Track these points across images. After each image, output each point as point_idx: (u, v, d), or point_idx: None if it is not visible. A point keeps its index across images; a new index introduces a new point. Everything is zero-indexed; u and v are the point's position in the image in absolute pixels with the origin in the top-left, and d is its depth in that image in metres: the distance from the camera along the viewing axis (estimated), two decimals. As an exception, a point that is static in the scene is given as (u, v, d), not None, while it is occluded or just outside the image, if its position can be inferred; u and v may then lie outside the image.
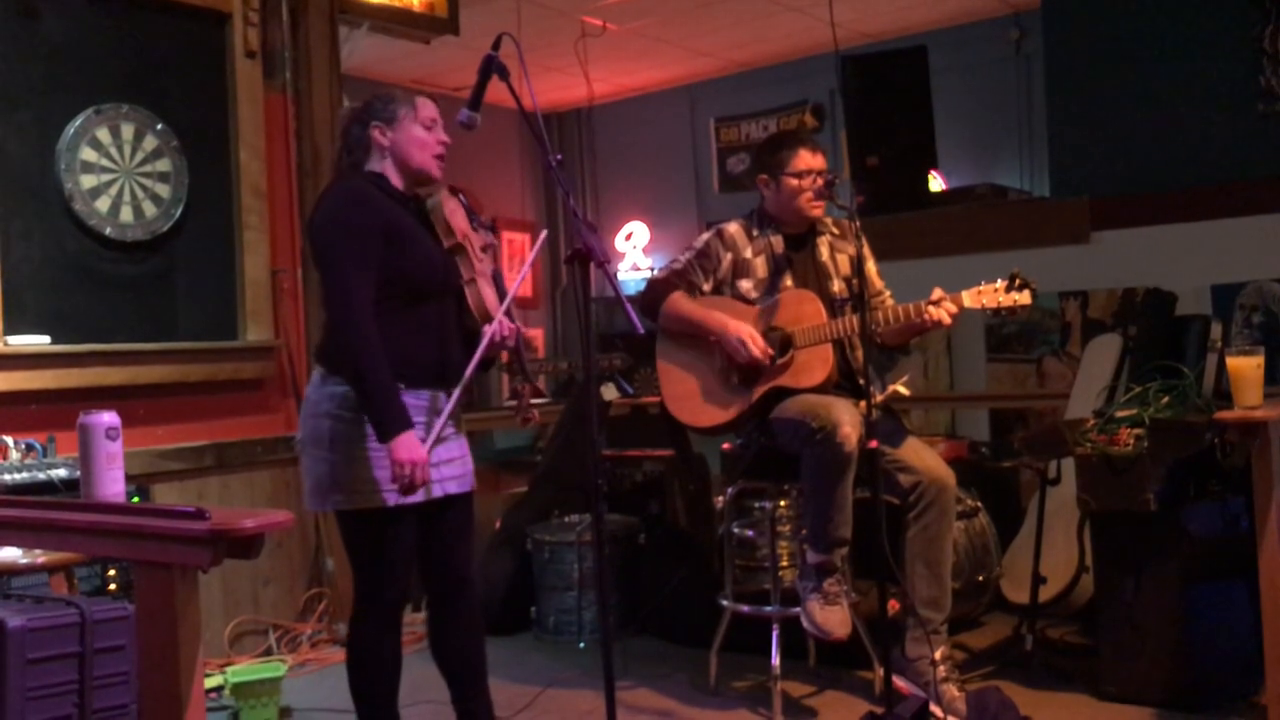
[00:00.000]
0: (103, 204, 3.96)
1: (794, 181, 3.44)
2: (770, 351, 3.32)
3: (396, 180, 2.79)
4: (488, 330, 2.73)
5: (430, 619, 2.89)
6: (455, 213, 2.79)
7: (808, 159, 3.44)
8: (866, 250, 3.44)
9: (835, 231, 3.58)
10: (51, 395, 3.76)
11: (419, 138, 2.75)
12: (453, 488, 2.77)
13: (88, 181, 3.92)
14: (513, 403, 2.91)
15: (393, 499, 2.63)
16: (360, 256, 2.64)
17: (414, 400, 2.68)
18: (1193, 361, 3.67)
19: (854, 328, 3.26)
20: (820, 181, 3.41)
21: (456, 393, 2.73)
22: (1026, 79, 6.55)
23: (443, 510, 2.80)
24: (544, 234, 3.22)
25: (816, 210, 3.46)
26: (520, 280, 2.83)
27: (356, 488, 2.64)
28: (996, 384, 5.13)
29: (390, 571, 2.72)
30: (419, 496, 2.66)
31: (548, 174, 8.39)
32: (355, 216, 2.68)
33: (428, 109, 2.79)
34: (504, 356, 2.91)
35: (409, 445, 2.57)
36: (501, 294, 2.79)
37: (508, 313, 2.77)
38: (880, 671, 3.27)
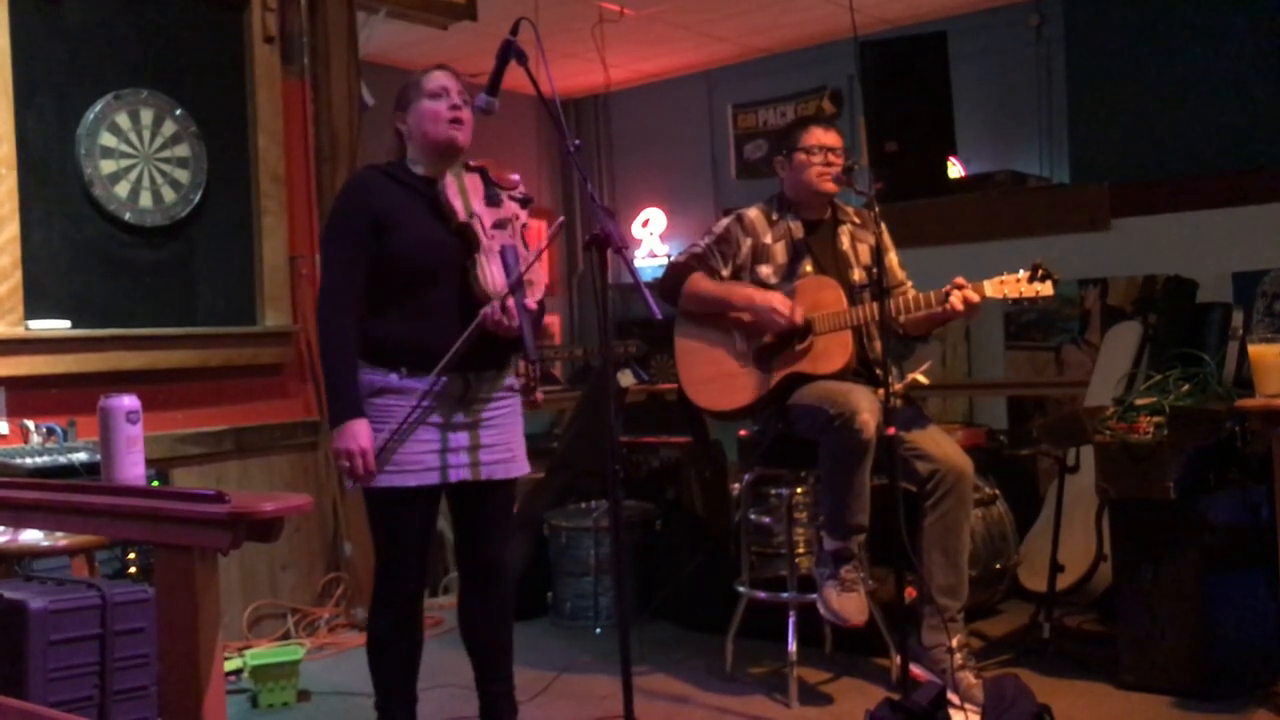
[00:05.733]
0: (122, 189, 3.98)
1: (803, 156, 3.44)
2: (801, 309, 3.31)
3: (422, 163, 2.78)
4: (484, 312, 2.66)
5: (460, 602, 2.91)
6: (465, 191, 2.75)
7: (818, 135, 3.46)
8: (887, 240, 3.44)
9: (856, 221, 3.57)
10: (72, 379, 3.79)
11: (428, 110, 2.73)
12: (467, 474, 2.75)
13: (107, 167, 3.94)
14: (520, 381, 2.85)
15: (385, 481, 2.64)
16: (344, 246, 2.70)
17: (421, 385, 2.68)
18: (1213, 349, 3.65)
19: (874, 315, 3.25)
20: (830, 157, 3.41)
21: (431, 377, 2.67)
22: (1046, 65, 6.51)
23: (470, 496, 2.80)
24: (560, 221, 3.16)
25: (828, 185, 3.44)
26: (529, 266, 2.75)
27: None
28: (1015, 371, 5.11)
29: (400, 555, 2.72)
30: (409, 481, 2.66)
31: (565, 160, 8.39)
32: (346, 205, 2.76)
33: (434, 80, 2.76)
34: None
35: (347, 434, 2.59)
36: (511, 270, 2.71)
37: (516, 294, 2.69)
38: (897, 659, 3.27)
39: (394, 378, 2.68)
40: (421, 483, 2.69)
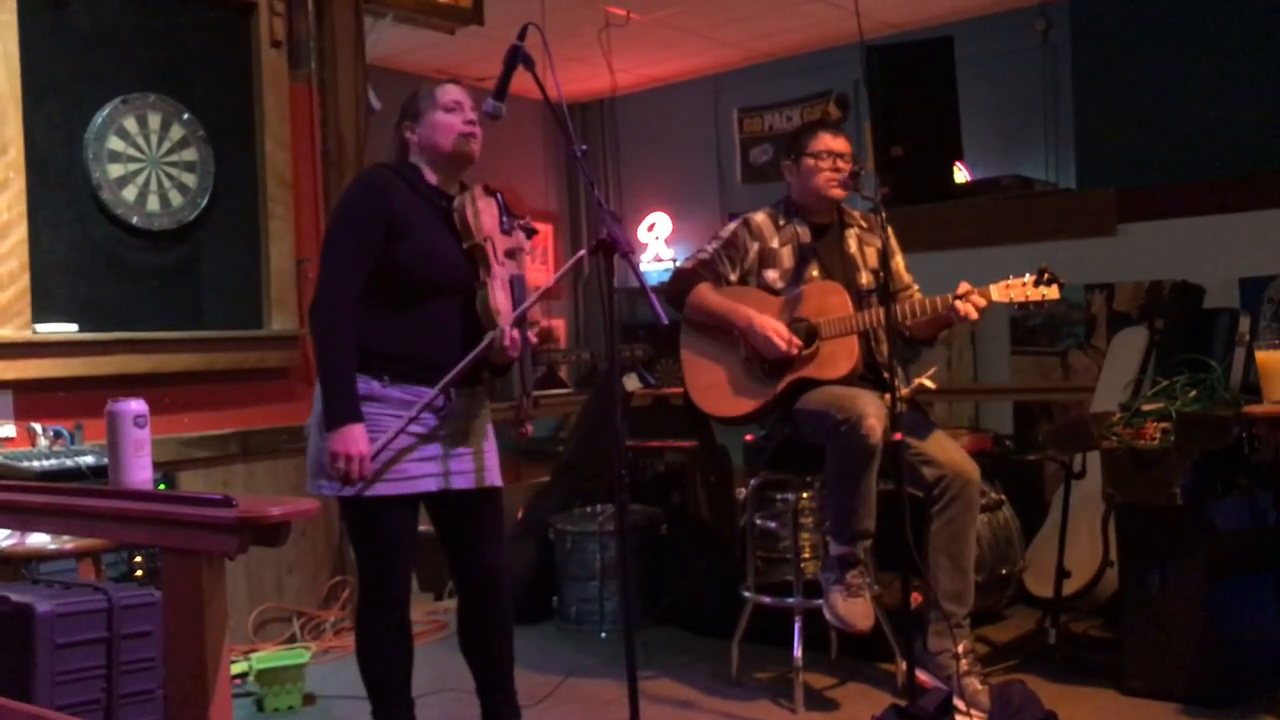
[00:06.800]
0: (130, 193, 3.99)
1: (811, 162, 3.44)
2: (799, 343, 3.31)
3: (432, 174, 2.78)
4: (493, 335, 2.68)
5: (459, 612, 2.91)
6: (483, 212, 2.75)
7: (827, 141, 3.45)
8: (894, 244, 3.44)
9: (864, 224, 3.57)
10: (79, 383, 3.79)
11: (442, 122, 2.74)
12: (458, 483, 2.75)
13: (115, 171, 3.95)
14: (512, 411, 2.86)
15: (374, 490, 2.64)
16: (353, 243, 2.67)
17: (404, 395, 2.68)
18: (1220, 355, 3.64)
19: (880, 320, 3.25)
20: (839, 163, 3.41)
21: (433, 392, 2.68)
22: (1052, 70, 6.51)
23: (458, 506, 2.80)
24: (581, 253, 3.13)
25: (835, 191, 3.44)
26: (535, 300, 2.77)
27: (331, 475, 2.63)
28: (1021, 377, 5.10)
29: (383, 563, 2.72)
30: (397, 489, 2.66)
31: (571, 164, 8.39)
32: (359, 202, 2.72)
33: (448, 94, 2.76)
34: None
35: (346, 438, 2.58)
36: (517, 301, 2.74)
37: (520, 325, 2.71)
38: (903, 664, 3.27)
39: (377, 386, 2.68)
40: (408, 491, 2.69)
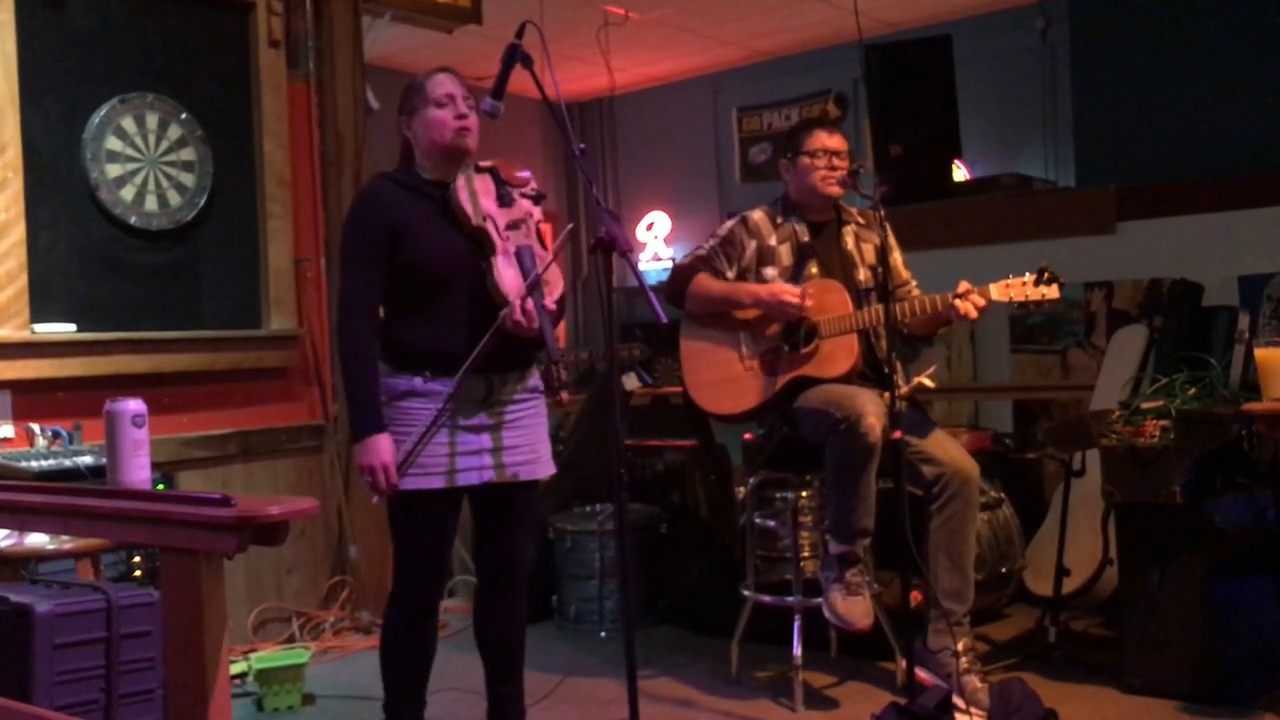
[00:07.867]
0: (128, 193, 3.98)
1: (807, 160, 3.44)
2: (811, 290, 3.31)
3: (431, 168, 2.79)
4: (502, 314, 2.67)
5: (476, 602, 2.92)
6: (477, 194, 2.75)
7: (823, 139, 3.46)
8: (892, 240, 3.44)
9: (861, 221, 3.58)
10: (77, 383, 3.79)
11: (434, 118, 2.74)
12: (488, 476, 2.75)
13: (113, 170, 3.95)
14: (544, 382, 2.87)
15: (409, 484, 2.66)
16: (361, 258, 2.71)
17: (445, 388, 2.68)
18: (1219, 353, 3.64)
19: (879, 318, 3.25)
20: (835, 162, 3.41)
21: (455, 380, 2.68)
22: (1052, 68, 6.51)
23: (492, 497, 2.80)
24: (569, 228, 3.14)
25: (832, 189, 3.45)
26: (545, 267, 2.75)
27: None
28: (1020, 375, 5.10)
29: (420, 556, 2.74)
30: (430, 483, 2.67)
31: (570, 163, 8.35)
32: (359, 218, 2.77)
33: (440, 86, 2.75)
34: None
35: (369, 449, 2.62)
36: (527, 271, 2.72)
37: (534, 295, 2.69)
38: (902, 663, 3.26)
39: (418, 381, 2.70)
40: (444, 485, 2.70)
